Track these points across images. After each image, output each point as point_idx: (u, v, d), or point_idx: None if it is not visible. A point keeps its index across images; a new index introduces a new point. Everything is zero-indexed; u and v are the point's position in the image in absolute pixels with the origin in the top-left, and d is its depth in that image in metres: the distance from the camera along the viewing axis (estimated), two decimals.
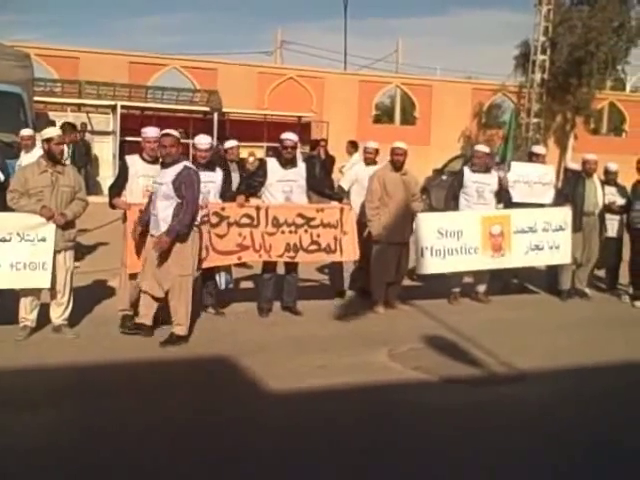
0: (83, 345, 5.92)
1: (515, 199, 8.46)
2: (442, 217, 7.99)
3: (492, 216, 7.98)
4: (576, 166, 9.01)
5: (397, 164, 7.51)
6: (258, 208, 6.97)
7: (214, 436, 4.30)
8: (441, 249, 7.60)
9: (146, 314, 6.14)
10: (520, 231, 8.00)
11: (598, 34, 25.96)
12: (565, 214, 8.23)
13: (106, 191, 7.72)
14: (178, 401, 4.83)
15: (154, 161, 6.31)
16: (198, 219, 6.52)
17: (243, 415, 4.65)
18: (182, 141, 6.53)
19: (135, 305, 6.34)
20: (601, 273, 9.20)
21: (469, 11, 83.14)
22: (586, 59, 26.27)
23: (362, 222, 7.56)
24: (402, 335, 6.59)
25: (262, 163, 7.50)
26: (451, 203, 8.08)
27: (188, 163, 6.10)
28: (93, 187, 16.69)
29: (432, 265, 7.63)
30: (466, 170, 8.12)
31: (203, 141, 6.91)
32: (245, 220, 6.89)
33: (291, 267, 7.23)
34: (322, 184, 7.94)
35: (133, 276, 6.32)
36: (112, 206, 6.75)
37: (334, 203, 7.51)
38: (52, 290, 6.08)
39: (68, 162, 8.69)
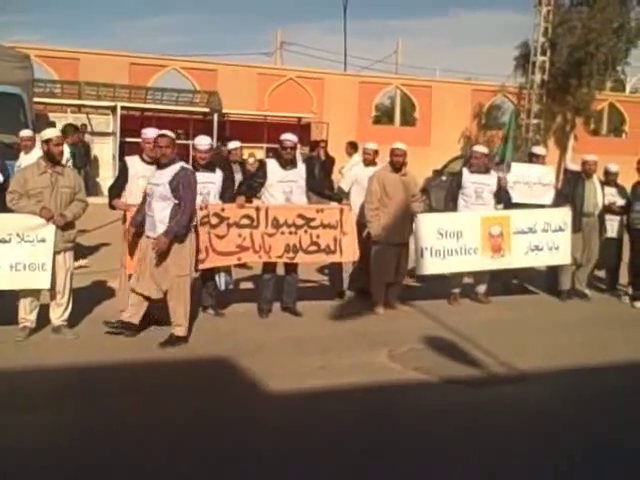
0: (83, 346, 5.92)
1: (515, 200, 8.47)
2: (442, 218, 7.99)
3: (492, 217, 7.98)
4: (576, 167, 9.01)
5: (396, 165, 7.51)
6: (258, 209, 6.97)
7: (214, 436, 4.31)
8: (441, 249, 7.60)
9: (135, 313, 6.13)
10: (520, 232, 8.00)
11: (598, 35, 25.98)
12: (565, 215, 8.23)
13: (106, 192, 7.73)
14: (178, 401, 4.83)
15: (154, 162, 6.31)
16: (198, 220, 6.55)
17: (243, 415, 4.65)
18: (182, 142, 6.54)
19: None
20: (601, 274, 9.20)
21: (469, 12, 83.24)
22: (586, 60, 26.29)
23: (361, 223, 7.56)
24: (402, 335, 6.59)
25: (262, 164, 7.51)
26: (450, 204, 8.09)
27: (184, 164, 6.10)
28: (93, 188, 16.69)
29: (432, 265, 7.63)
30: (465, 171, 8.12)
31: (203, 142, 6.92)
32: (245, 221, 6.89)
33: (291, 268, 7.23)
34: (322, 185, 7.95)
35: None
36: (112, 207, 6.78)
37: (334, 204, 7.52)
38: (52, 291, 6.08)
39: (70, 163, 8.72)
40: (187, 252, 6.05)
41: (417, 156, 8.82)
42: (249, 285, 8.48)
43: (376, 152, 8.20)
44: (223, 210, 6.83)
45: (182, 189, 5.88)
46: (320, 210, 7.24)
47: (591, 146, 23.40)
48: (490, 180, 8.01)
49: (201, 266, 6.76)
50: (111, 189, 6.93)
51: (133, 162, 6.72)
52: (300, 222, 7.06)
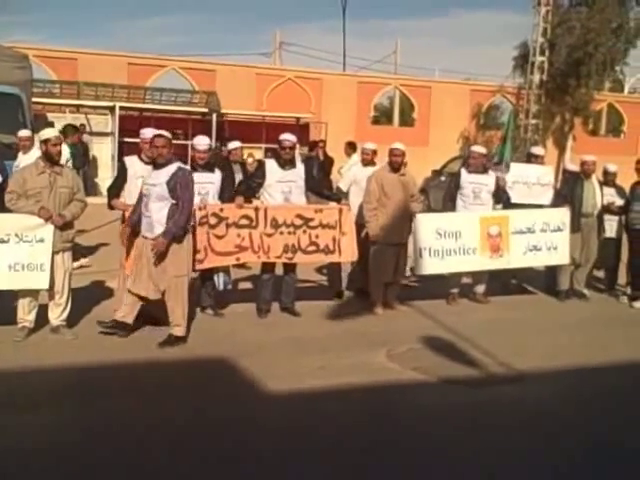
0: (82, 346, 5.92)
1: (514, 200, 8.47)
2: (441, 218, 7.99)
3: (490, 217, 7.99)
4: (574, 167, 9.02)
5: (395, 165, 7.51)
6: (257, 209, 6.97)
7: (214, 436, 4.31)
8: (439, 249, 7.60)
9: (129, 313, 6.13)
10: (518, 232, 8.01)
11: (597, 35, 26.00)
12: (563, 215, 8.23)
13: (105, 192, 7.73)
14: (178, 401, 4.84)
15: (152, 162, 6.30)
16: (197, 220, 6.55)
17: (243, 415, 4.65)
18: (181, 142, 6.55)
19: None
20: (599, 274, 9.21)
21: (469, 12, 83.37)
22: (585, 60, 26.31)
23: (360, 223, 7.56)
24: (401, 336, 6.59)
25: (260, 164, 7.50)
26: (448, 204, 8.09)
27: (181, 164, 6.10)
28: (91, 188, 16.68)
29: (430, 265, 7.63)
30: (463, 171, 8.12)
31: (202, 142, 6.91)
32: (244, 221, 6.89)
33: (289, 268, 7.23)
34: (320, 185, 7.94)
35: None
36: (111, 207, 6.77)
37: (332, 204, 7.52)
38: (50, 291, 6.08)
39: (70, 164, 8.71)
40: (185, 252, 6.05)
41: (416, 156, 8.82)
42: (248, 285, 8.48)
43: (374, 152, 8.20)
44: (222, 210, 6.82)
45: (180, 189, 5.88)
46: (319, 210, 7.24)
47: (590, 146, 23.41)
48: (488, 180, 8.01)
49: (200, 266, 6.76)
50: (110, 189, 6.92)
51: (132, 162, 6.71)
52: (299, 222, 7.06)
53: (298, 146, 7.97)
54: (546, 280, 8.92)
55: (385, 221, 7.41)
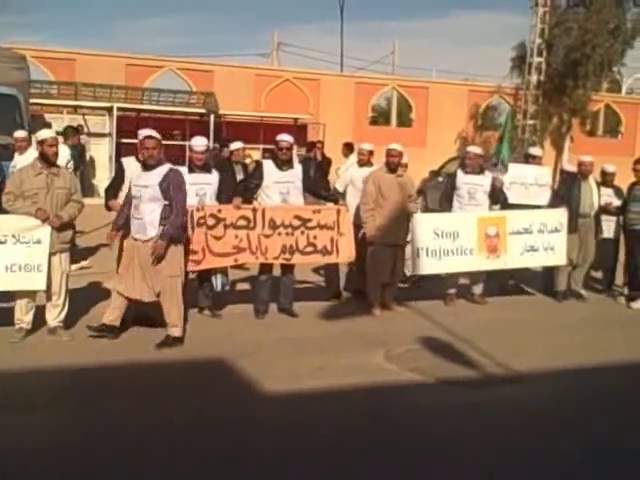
0: (79, 347, 5.91)
1: (511, 200, 8.49)
2: (438, 218, 7.99)
3: (488, 217, 7.99)
4: (572, 168, 9.02)
5: (392, 166, 7.51)
6: (255, 210, 6.96)
7: (214, 436, 4.31)
8: (437, 250, 7.60)
9: (118, 316, 6.12)
10: (516, 232, 8.01)
11: (594, 36, 26.05)
12: (561, 215, 8.24)
13: (102, 193, 7.72)
14: (177, 402, 4.83)
15: None
16: (195, 220, 6.54)
17: (242, 416, 4.65)
18: (179, 143, 6.54)
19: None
20: (597, 274, 9.21)
21: (468, 13, 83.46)
22: (582, 61, 26.35)
23: (357, 224, 7.55)
24: (399, 336, 6.59)
25: (258, 165, 7.50)
26: (445, 205, 8.09)
27: (171, 165, 6.09)
28: (88, 189, 16.67)
29: (428, 266, 7.63)
30: (459, 172, 8.12)
31: (199, 143, 6.91)
32: (242, 222, 6.89)
33: (287, 269, 7.23)
34: (317, 185, 7.93)
35: None
36: (108, 208, 6.76)
37: (330, 204, 7.52)
38: (48, 292, 6.07)
39: (71, 164, 8.70)
40: (179, 252, 6.05)
41: (413, 157, 8.81)
42: (245, 286, 8.47)
43: (371, 153, 8.20)
44: (220, 211, 6.82)
45: (173, 190, 5.86)
46: (317, 211, 7.24)
47: (587, 147, 23.41)
48: (484, 181, 8.01)
49: (198, 267, 6.76)
50: (107, 190, 6.92)
51: (129, 163, 6.70)
52: (297, 223, 7.05)
53: (296, 147, 7.96)
54: (544, 281, 8.92)
55: (382, 222, 7.41)
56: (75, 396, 4.95)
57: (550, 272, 8.66)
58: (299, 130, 22.48)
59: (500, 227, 7.92)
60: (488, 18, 78.13)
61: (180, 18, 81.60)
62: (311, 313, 7.29)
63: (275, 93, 26.20)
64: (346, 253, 7.29)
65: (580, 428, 4.66)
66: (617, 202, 8.56)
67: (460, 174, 8.04)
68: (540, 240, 8.13)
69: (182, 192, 5.99)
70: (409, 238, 7.63)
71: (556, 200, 8.50)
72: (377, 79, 29.41)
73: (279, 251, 7.01)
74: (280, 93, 26.17)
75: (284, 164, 7.05)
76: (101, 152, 20.32)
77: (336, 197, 7.69)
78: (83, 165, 18.17)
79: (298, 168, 7.20)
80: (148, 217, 5.85)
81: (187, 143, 8.24)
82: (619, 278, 8.89)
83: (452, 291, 8.11)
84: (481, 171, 8.04)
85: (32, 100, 14.38)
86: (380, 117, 34.12)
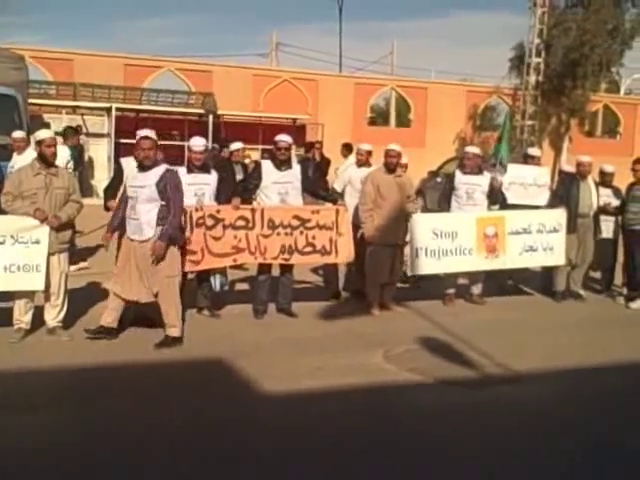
0: (78, 347, 5.91)
1: (510, 201, 8.50)
2: (437, 218, 7.99)
3: (487, 217, 7.99)
4: (570, 168, 9.02)
5: (390, 166, 7.51)
6: (253, 210, 6.96)
7: (214, 436, 4.31)
8: (436, 250, 7.60)
9: (115, 318, 6.11)
10: (514, 232, 8.01)
11: (592, 37, 26.07)
12: (559, 216, 8.24)
13: (101, 193, 7.72)
14: (176, 402, 4.83)
15: None
16: (194, 221, 6.53)
17: (242, 416, 4.64)
18: (177, 143, 6.55)
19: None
20: (596, 275, 9.22)
21: (467, 14, 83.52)
22: (580, 61, 26.37)
23: (355, 224, 7.55)
24: (397, 336, 6.59)
25: (257, 165, 7.50)
26: (444, 205, 8.09)
27: (168, 165, 6.08)
28: (87, 189, 16.67)
29: (427, 266, 7.63)
30: (457, 172, 8.12)
31: (198, 143, 6.91)
32: (240, 222, 6.88)
33: (286, 269, 7.23)
34: (316, 185, 7.94)
35: None
36: (107, 208, 6.76)
37: (328, 205, 7.52)
38: (46, 292, 6.07)
39: (71, 165, 8.69)
40: (176, 253, 6.05)
41: (412, 157, 8.81)
42: (244, 286, 8.47)
43: (369, 153, 8.20)
44: (219, 212, 6.82)
45: (170, 190, 5.85)
46: (316, 211, 7.24)
47: (586, 147, 23.45)
48: (482, 181, 8.01)
49: (197, 268, 6.76)
50: (106, 190, 6.92)
51: (128, 163, 6.70)
52: (296, 223, 7.05)
53: (294, 147, 7.97)
54: (542, 281, 8.93)
55: (381, 222, 7.41)
56: (74, 396, 4.94)
57: (549, 272, 8.67)
58: (298, 130, 22.50)
59: (499, 227, 7.92)
60: (487, 19, 78.32)
61: (179, 18, 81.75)
62: (310, 313, 7.30)
63: (274, 93, 26.20)
64: (345, 253, 7.29)
65: (579, 428, 4.66)
66: (616, 202, 8.56)
67: (458, 174, 8.04)
68: (539, 240, 8.14)
69: (179, 192, 5.99)
70: (408, 238, 7.63)
71: (555, 200, 8.50)
72: (376, 79, 29.42)
73: (278, 251, 7.01)
74: (279, 93, 26.17)
75: (283, 164, 7.05)
76: (100, 152, 20.33)
77: (335, 197, 7.69)
78: (82, 165, 18.20)
79: (297, 168, 7.20)
80: (145, 217, 5.84)
81: (186, 143, 8.25)
82: (618, 278, 8.90)
83: (451, 291, 8.11)
84: (479, 171, 8.05)
85: (31, 100, 14.38)
86: (379, 117, 34.16)
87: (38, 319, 6.15)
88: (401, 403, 5.07)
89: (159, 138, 6.26)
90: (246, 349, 6.03)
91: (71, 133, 10.17)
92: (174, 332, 6.04)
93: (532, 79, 27.18)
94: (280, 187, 7.04)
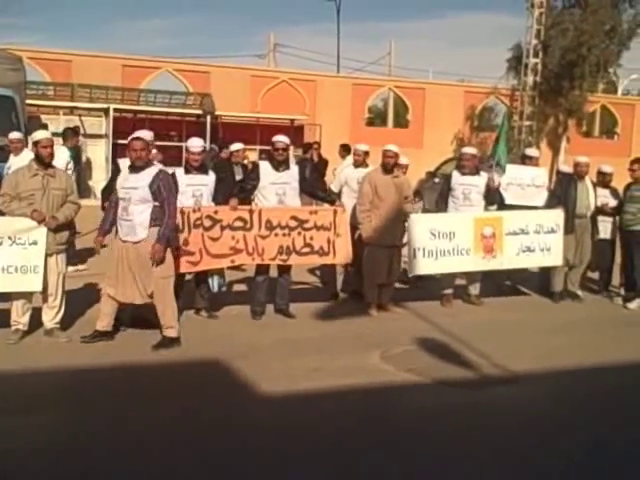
0: (76, 348, 5.90)
1: (508, 201, 8.50)
2: (435, 218, 8.00)
3: (484, 218, 8.00)
4: (568, 169, 9.03)
5: (388, 166, 7.51)
6: (251, 211, 6.96)
7: (212, 437, 4.31)
8: (433, 250, 7.60)
9: (110, 322, 6.11)
10: (512, 233, 8.01)
11: (590, 37, 26.09)
12: (557, 216, 8.25)
13: (99, 194, 7.71)
14: (174, 403, 4.83)
15: None
16: (192, 221, 6.53)
17: (240, 416, 4.65)
18: (175, 144, 6.54)
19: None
20: (593, 275, 9.23)
21: (465, 14, 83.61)
22: (578, 62, 26.39)
23: (353, 225, 7.55)
24: (395, 337, 6.59)
25: (255, 166, 7.51)
26: (441, 206, 8.10)
27: (161, 166, 6.07)
28: (85, 190, 16.65)
29: (424, 266, 7.63)
30: (455, 173, 8.13)
31: (195, 144, 6.91)
32: (238, 223, 6.88)
33: (284, 270, 7.23)
34: (314, 186, 7.94)
35: None
36: (104, 209, 6.75)
37: (326, 205, 7.52)
38: (44, 293, 6.06)
39: (70, 165, 8.69)
40: (170, 253, 6.03)
41: (410, 158, 8.80)
42: (242, 287, 8.47)
43: (366, 153, 8.21)
44: (216, 213, 6.82)
45: (164, 191, 5.84)
46: (314, 212, 7.24)
47: (583, 148, 23.46)
48: (479, 181, 8.01)
49: (195, 269, 6.76)
50: (104, 191, 6.93)
51: (126, 164, 6.69)
52: (293, 224, 7.06)
53: (292, 148, 7.98)
54: (540, 281, 8.93)
55: (378, 223, 7.41)
56: (72, 397, 4.94)
57: (546, 273, 8.67)
58: (296, 131, 22.50)
59: (496, 227, 7.92)
60: (484, 19, 78.36)
61: (177, 20, 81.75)
62: (308, 314, 7.30)
63: (272, 94, 26.18)
64: (343, 254, 7.29)
65: (578, 428, 4.66)
66: (613, 203, 8.57)
67: (456, 175, 8.05)
68: (536, 241, 8.14)
69: (174, 193, 5.98)
70: (406, 239, 7.63)
71: (552, 201, 8.51)
72: (374, 80, 29.41)
73: (276, 252, 7.01)
74: (277, 94, 26.16)
75: (280, 165, 7.05)
76: (97, 153, 20.30)
77: (333, 198, 7.69)
78: (79, 166, 18.18)
79: (294, 169, 7.20)
80: (138, 218, 5.82)
81: (184, 144, 8.24)
82: (615, 279, 8.91)
83: (449, 292, 8.12)
84: (477, 172, 8.05)
85: (28, 101, 14.37)
86: (377, 118, 34.17)
87: (36, 320, 6.14)
88: (399, 404, 5.08)
89: (157, 139, 6.26)
90: (244, 350, 6.02)
91: (70, 134, 10.17)
92: (171, 333, 6.03)
93: (530, 80, 27.19)
94: (278, 188, 7.04)
